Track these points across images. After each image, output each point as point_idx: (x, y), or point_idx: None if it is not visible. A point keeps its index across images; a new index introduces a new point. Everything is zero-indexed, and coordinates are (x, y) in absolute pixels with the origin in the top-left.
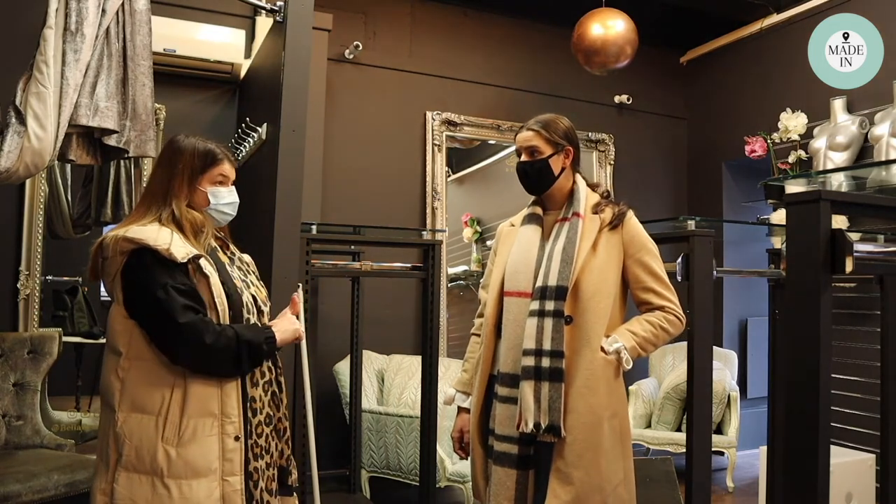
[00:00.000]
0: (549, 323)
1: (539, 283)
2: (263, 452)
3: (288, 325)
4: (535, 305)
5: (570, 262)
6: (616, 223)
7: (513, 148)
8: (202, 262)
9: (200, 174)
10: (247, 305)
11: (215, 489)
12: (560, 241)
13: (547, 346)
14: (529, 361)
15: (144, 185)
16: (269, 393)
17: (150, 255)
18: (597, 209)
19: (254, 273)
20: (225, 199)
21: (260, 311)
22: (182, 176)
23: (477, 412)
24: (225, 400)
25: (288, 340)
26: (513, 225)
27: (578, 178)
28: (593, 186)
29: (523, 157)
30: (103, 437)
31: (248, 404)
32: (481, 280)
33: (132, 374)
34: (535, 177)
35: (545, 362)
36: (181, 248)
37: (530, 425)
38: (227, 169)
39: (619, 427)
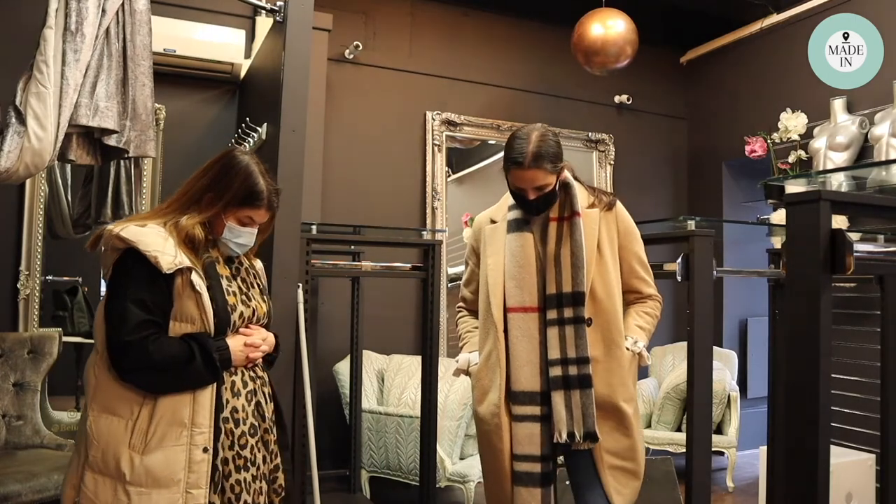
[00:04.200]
0: (570, 330)
1: (551, 291)
2: (248, 464)
3: (238, 345)
4: (552, 314)
5: (583, 267)
6: (609, 206)
7: None
8: (193, 276)
9: (234, 207)
10: (234, 324)
11: (177, 501)
12: (565, 245)
13: (572, 353)
14: (557, 371)
15: (143, 184)
16: (253, 403)
17: (135, 259)
18: (591, 204)
19: (258, 286)
20: (238, 238)
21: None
22: (219, 199)
23: (509, 434)
24: (197, 409)
25: (241, 361)
26: (493, 221)
27: (567, 173)
28: (572, 174)
29: (531, 196)
30: (80, 429)
31: (231, 415)
32: (462, 278)
33: (106, 376)
34: (545, 206)
35: (572, 370)
36: (170, 258)
37: (564, 435)
38: (261, 215)
39: (638, 414)
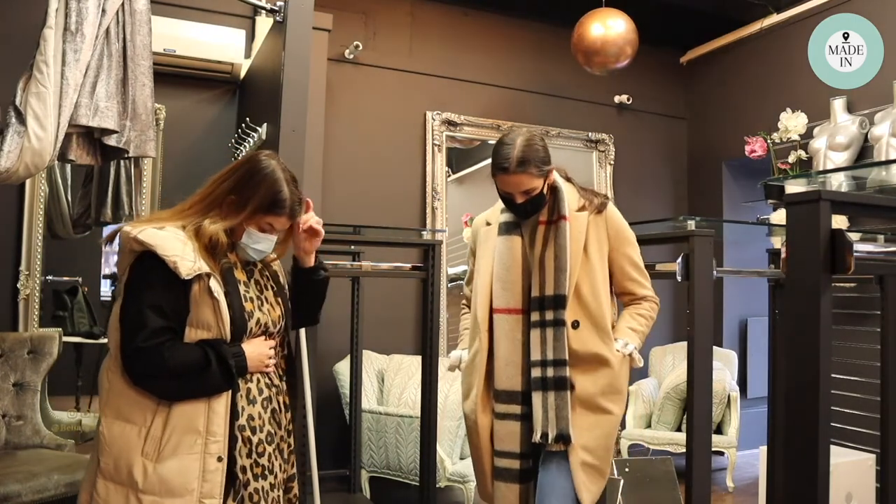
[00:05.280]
0: (550, 333)
1: (534, 294)
2: (267, 472)
3: (255, 351)
4: (535, 317)
5: (565, 270)
6: (599, 209)
7: None
8: (212, 283)
9: (258, 213)
10: (250, 330)
11: None
12: (550, 249)
13: (550, 355)
14: (537, 373)
15: (143, 184)
16: (269, 411)
17: (153, 263)
18: (580, 207)
19: (272, 289)
20: (257, 244)
21: (269, 335)
22: (243, 205)
23: (488, 430)
24: (212, 417)
25: (255, 368)
26: (488, 223)
27: (556, 176)
28: (565, 176)
29: (519, 200)
30: (96, 433)
31: (247, 422)
32: (465, 276)
33: (119, 381)
34: (534, 209)
35: (549, 372)
36: (189, 263)
37: (538, 435)
38: (281, 222)
39: (621, 416)
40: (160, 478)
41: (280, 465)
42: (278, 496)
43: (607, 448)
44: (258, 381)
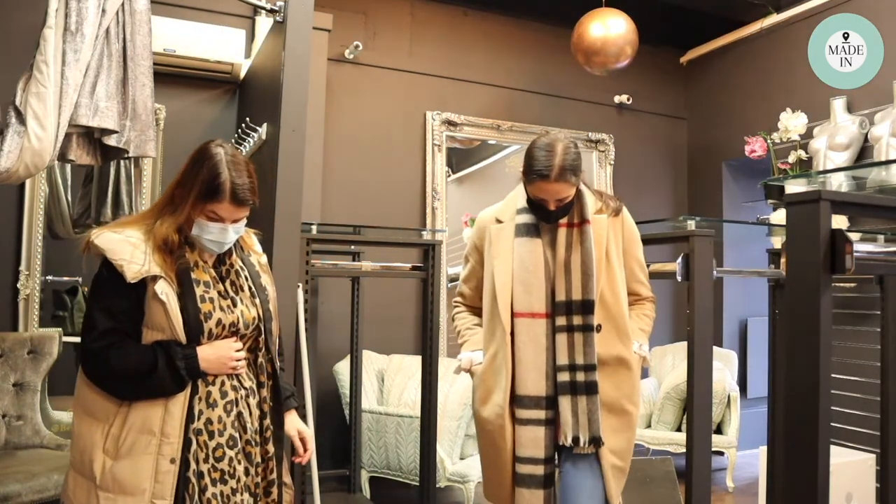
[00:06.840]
0: (579, 337)
1: (561, 298)
2: (226, 477)
3: (215, 353)
4: (561, 321)
5: (593, 275)
6: (616, 212)
7: (513, 148)
8: (159, 285)
9: (200, 202)
10: (209, 332)
11: None
12: (575, 252)
13: (580, 360)
14: (565, 377)
15: (143, 184)
16: (234, 414)
17: (108, 266)
18: (598, 210)
19: (250, 289)
20: (208, 235)
21: (241, 336)
22: (187, 195)
23: (513, 436)
24: (167, 419)
25: (215, 370)
26: (499, 221)
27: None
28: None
29: (552, 207)
30: None
31: (205, 426)
32: (462, 274)
33: (86, 380)
34: (563, 215)
35: (580, 377)
36: (136, 267)
37: (569, 439)
38: (225, 208)
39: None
40: (114, 476)
41: (246, 469)
42: (243, 500)
43: (630, 449)
44: (223, 383)
